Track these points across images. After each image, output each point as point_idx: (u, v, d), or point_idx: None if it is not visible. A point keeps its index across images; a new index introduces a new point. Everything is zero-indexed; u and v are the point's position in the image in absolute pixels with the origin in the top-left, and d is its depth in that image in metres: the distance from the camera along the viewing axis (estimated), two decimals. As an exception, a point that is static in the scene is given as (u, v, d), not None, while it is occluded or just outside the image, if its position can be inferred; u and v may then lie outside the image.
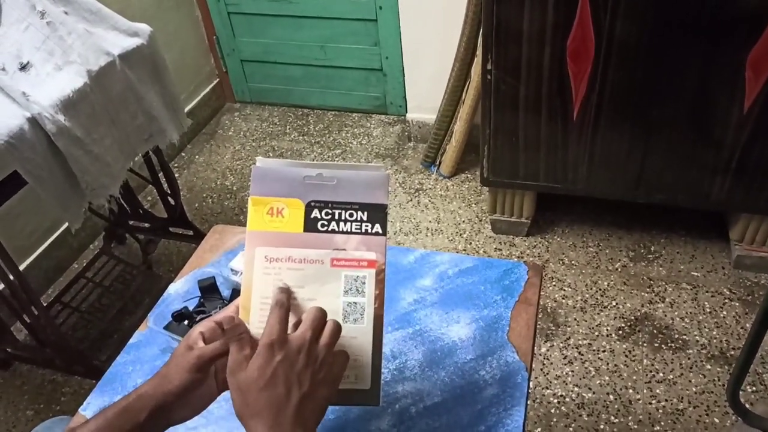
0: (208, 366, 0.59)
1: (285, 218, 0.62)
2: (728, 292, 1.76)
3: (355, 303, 0.61)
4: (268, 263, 0.61)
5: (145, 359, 0.86)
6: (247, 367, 0.56)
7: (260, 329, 0.59)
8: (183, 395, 0.59)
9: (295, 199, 0.63)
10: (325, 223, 0.62)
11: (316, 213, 0.62)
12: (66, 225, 2.03)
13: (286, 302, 0.59)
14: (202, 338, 0.60)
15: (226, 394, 0.79)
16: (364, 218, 0.63)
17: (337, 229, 0.62)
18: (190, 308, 0.90)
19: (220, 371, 0.61)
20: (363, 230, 0.62)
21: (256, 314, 0.61)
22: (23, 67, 1.36)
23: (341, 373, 0.60)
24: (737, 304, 1.72)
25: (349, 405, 0.66)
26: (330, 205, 0.63)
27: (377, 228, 0.63)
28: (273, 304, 0.59)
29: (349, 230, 0.62)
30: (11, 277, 1.43)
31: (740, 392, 1.07)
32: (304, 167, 0.63)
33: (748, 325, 1.65)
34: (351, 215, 0.63)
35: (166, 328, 0.88)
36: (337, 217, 0.62)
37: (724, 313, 1.70)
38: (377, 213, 0.63)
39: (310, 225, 0.62)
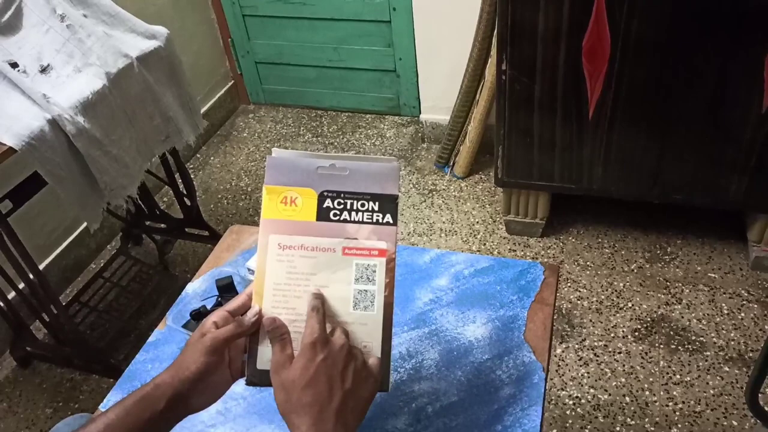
0: (222, 348, 0.60)
1: (298, 207, 0.64)
2: (746, 294, 1.74)
3: (366, 290, 0.63)
4: (281, 250, 0.63)
5: (164, 357, 0.87)
6: (291, 365, 0.57)
7: (272, 314, 0.62)
8: (200, 381, 0.60)
9: (309, 189, 0.64)
10: (338, 212, 0.64)
11: (328, 203, 0.64)
12: (84, 225, 2.06)
13: (321, 307, 0.61)
14: (215, 327, 0.61)
15: (243, 391, 0.80)
16: (376, 208, 0.64)
17: (349, 219, 0.64)
18: (208, 307, 0.90)
19: (233, 360, 0.62)
20: (374, 220, 0.64)
21: (269, 300, 0.62)
22: (44, 70, 1.38)
23: (379, 377, 0.61)
24: (755, 305, 1.70)
25: None
26: (342, 195, 0.64)
27: (388, 218, 0.64)
28: (309, 309, 0.60)
29: (360, 220, 0.64)
30: (31, 276, 1.46)
31: (759, 395, 1.06)
32: (317, 158, 0.65)
33: (766, 326, 1.63)
34: (363, 205, 0.64)
35: (185, 326, 0.89)
36: (349, 206, 0.64)
37: (742, 314, 1.68)
38: (388, 203, 0.64)
39: (322, 214, 0.64)
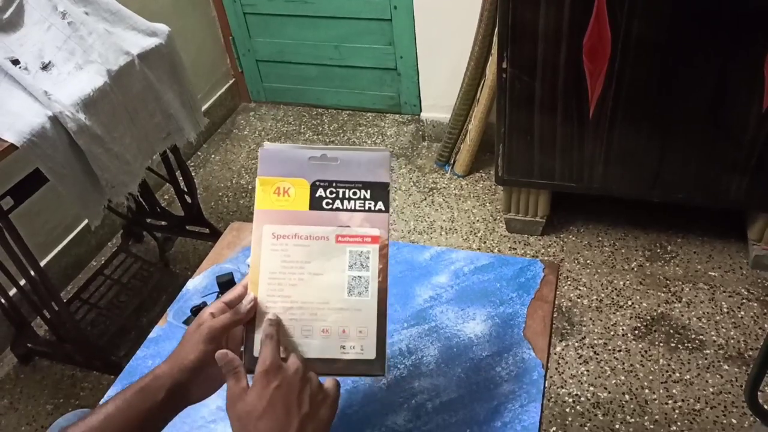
0: (220, 337, 0.61)
1: (291, 197, 0.65)
2: (746, 293, 1.74)
3: (360, 277, 0.64)
4: (276, 240, 0.64)
5: (165, 353, 0.87)
6: (245, 397, 0.57)
7: (268, 302, 0.63)
8: (199, 370, 0.60)
9: (301, 179, 0.65)
10: (330, 201, 0.65)
11: (321, 192, 0.65)
12: (85, 222, 2.07)
13: (276, 335, 0.60)
14: (212, 317, 0.62)
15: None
16: (368, 196, 0.65)
17: (341, 207, 0.65)
18: (209, 303, 0.91)
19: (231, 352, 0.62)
20: (366, 208, 0.65)
21: (264, 289, 0.63)
22: (45, 67, 1.38)
23: (337, 398, 0.61)
24: (755, 304, 1.70)
25: (356, 375, 0.70)
26: (334, 183, 0.65)
27: (380, 205, 0.65)
28: (263, 337, 0.60)
29: (353, 208, 0.65)
30: (32, 273, 1.46)
31: (758, 393, 1.06)
32: (308, 149, 0.66)
33: (766, 325, 1.64)
34: (354, 193, 0.65)
35: (185, 322, 0.90)
36: (341, 195, 0.65)
37: (742, 313, 1.68)
38: (380, 191, 0.65)
39: (315, 203, 0.65)
